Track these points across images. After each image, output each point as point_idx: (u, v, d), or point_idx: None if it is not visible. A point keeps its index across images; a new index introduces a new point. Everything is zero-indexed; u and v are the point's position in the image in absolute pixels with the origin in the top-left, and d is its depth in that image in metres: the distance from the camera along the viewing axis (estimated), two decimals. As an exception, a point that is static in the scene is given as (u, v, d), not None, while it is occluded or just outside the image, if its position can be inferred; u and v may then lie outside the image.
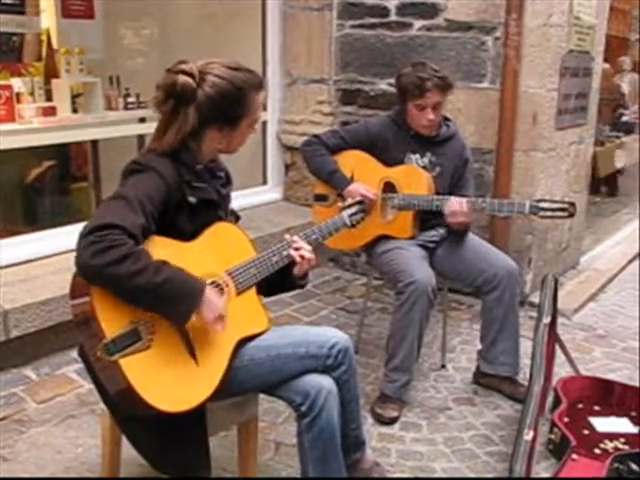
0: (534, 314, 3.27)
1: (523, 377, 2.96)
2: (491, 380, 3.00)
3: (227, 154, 2.01)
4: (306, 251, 2.03)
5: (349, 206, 2.34)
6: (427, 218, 2.96)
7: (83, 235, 1.61)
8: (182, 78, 1.80)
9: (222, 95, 1.83)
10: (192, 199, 1.84)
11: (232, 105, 1.85)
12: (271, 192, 4.72)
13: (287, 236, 2.07)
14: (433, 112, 2.84)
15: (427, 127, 2.90)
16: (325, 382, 1.89)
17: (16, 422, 2.64)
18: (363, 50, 4.23)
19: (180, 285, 1.66)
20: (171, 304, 1.66)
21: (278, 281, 2.05)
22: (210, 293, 1.74)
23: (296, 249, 2.02)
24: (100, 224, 1.61)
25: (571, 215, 2.74)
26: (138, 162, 1.81)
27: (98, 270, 1.58)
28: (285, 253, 2.01)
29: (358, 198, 2.47)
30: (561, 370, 3.06)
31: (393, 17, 4.08)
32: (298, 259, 2.02)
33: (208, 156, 1.94)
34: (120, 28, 5.02)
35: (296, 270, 2.05)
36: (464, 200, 2.78)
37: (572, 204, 2.73)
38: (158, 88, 1.84)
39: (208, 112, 1.83)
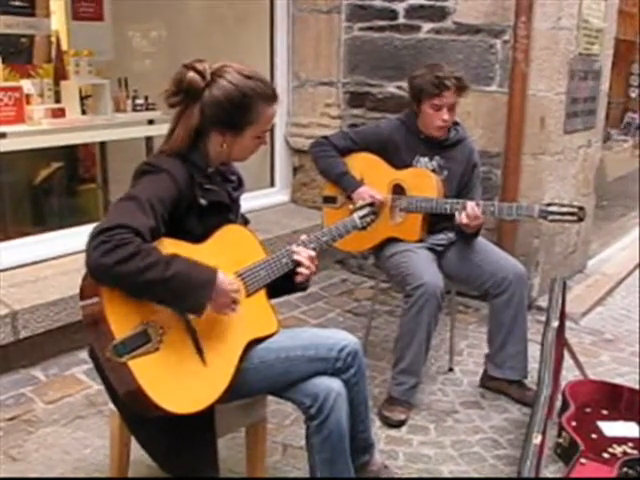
0: (541, 318, 3.27)
1: (531, 380, 2.96)
2: (499, 384, 3.00)
3: (234, 161, 2.01)
4: (307, 258, 2.02)
5: (360, 208, 2.35)
6: (436, 221, 2.96)
7: (92, 236, 1.62)
8: (191, 74, 1.82)
9: (227, 99, 1.83)
10: (203, 201, 1.84)
11: (236, 111, 1.85)
12: (279, 194, 4.73)
13: (304, 237, 2.07)
14: (448, 113, 2.84)
15: (441, 128, 2.90)
16: (334, 384, 1.89)
17: (25, 422, 2.65)
18: (371, 53, 4.23)
19: (190, 277, 1.67)
20: (184, 296, 1.67)
21: (282, 283, 2.04)
22: (222, 280, 1.74)
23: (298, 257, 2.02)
24: (109, 225, 1.61)
25: (580, 219, 2.73)
26: (150, 163, 1.82)
27: (107, 269, 1.59)
28: (294, 256, 2.02)
29: (368, 200, 2.47)
30: (569, 374, 3.05)
31: (401, 20, 4.08)
32: (305, 263, 2.01)
33: (215, 158, 1.94)
34: (129, 30, 5.04)
35: (298, 277, 2.04)
36: (473, 204, 2.78)
37: (581, 208, 2.72)
38: (170, 81, 1.86)
39: (210, 113, 1.84)
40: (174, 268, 1.64)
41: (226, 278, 1.77)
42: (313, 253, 2.06)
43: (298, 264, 2.02)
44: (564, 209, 2.73)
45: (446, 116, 2.85)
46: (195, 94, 1.83)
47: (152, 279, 1.61)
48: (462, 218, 2.76)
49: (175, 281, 1.63)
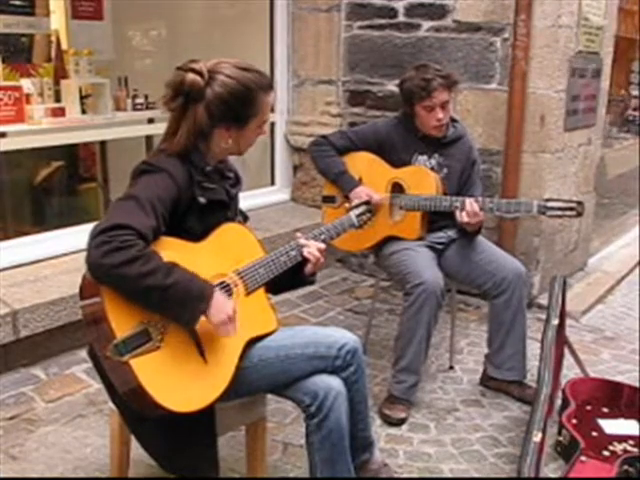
0: (542, 316, 3.27)
1: (531, 379, 2.96)
2: (499, 383, 2.99)
3: (236, 155, 2.02)
4: (317, 250, 2.04)
5: (356, 206, 2.35)
6: (435, 219, 2.96)
7: (94, 235, 1.62)
8: (190, 76, 1.82)
9: (231, 94, 1.84)
10: (202, 199, 1.84)
11: (241, 105, 1.86)
12: (279, 193, 4.73)
13: (299, 234, 2.08)
14: (442, 111, 2.84)
15: (437, 127, 2.90)
16: (334, 383, 1.89)
17: (25, 421, 2.65)
18: (371, 51, 4.23)
19: (188, 288, 1.66)
20: (179, 307, 1.66)
21: (287, 279, 2.05)
22: (219, 297, 1.73)
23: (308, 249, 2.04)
24: (111, 224, 1.61)
25: (579, 214, 2.73)
26: (149, 163, 1.82)
27: (108, 270, 1.59)
28: (293, 253, 2.02)
29: (365, 199, 2.48)
30: (569, 372, 3.05)
31: (401, 18, 4.08)
32: (312, 259, 2.03)
33: (217, 156, 1.95)
34: (129, 29, 5.04)
35: (308, 268, 2.06)
36: (472, 200, 2.77)
37: (580, 203, 2.72)
38: (167, 86, 1.85)
39: (217, 111, 1.84)
40: (173, 277, 1.64)
41: (223, 298, 1.76)
42: (323, 245, 2.08)
43: (306, 259, 2.03)
44: (563, 204, 2.73)
45: (440, 115, 2.84)
46: (197, 95, 1.82)
47: (151, 285, 1.61)
48: (462, 216, 2.76)
49: (172, 290, 1.63)
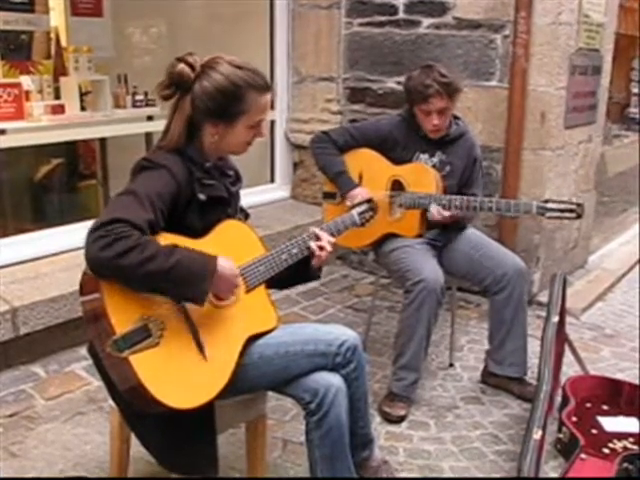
0: (542, 313, 3.27)
1: (531, 376, 2.96)
2: (499, 380, 2.99)
3: (229, 153, 2.01)
4: (329, 244, 2.06)
5: (359, 204, 2.35)
6: (435, 217, 2.96)
7: (91, 230, 1.63)
8: (181, 66, 1.83)
9: (217, 90, 1.83)
10: (202, 196, 1.84)
11: (227, 101, 1.85)
12: (279, 190, 4.73)
13: (312, 229, 2.08)
14: (438, 117, 2.83)
15: (433, 131, 2.90)
16: (334, 380, 1.89)
17: (25, 418, 2.65)
18: (371, 48, 4.23)
19: (192, 266, 1.67)
20: (185, 286, 1.67)
21: (291, 274, 2.05)
22: (223, 266, 1.74)
23: (318, 239, 2.05)
24: (108, 219, 1.62)
25: (579, 216, 2.71)
26: (148, 159, 1.82)
27: (107, 262, 1.59)
28: (295, 251, 2.02)
29: (367, 197, 2.47)
30: (569, 369, 3.05)
31: (401, 15, 4.07)
32: (319, 252, 2.04)
33: (212, 152, 1.94)
34: (128, 27, 5.03)
35: (314, 262, 2.07)
36: (440, 209, 2.79)
37: (580, 205, 2.70)
38: (165, 74, 1.87)
39: (202, 105, 1.84)
40: (174, 258, 1.64)
41: (227, 263, 1.77)
42: (333, 239, 2.09)
43: (311, 254, 2.04)
44: (562, 206, 2.71)
45: (436, 121, 2.83)
46: (185, 86, 1.84)
47: (153, 270, 1.61)
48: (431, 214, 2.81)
49: (176, 271, 1.64)
